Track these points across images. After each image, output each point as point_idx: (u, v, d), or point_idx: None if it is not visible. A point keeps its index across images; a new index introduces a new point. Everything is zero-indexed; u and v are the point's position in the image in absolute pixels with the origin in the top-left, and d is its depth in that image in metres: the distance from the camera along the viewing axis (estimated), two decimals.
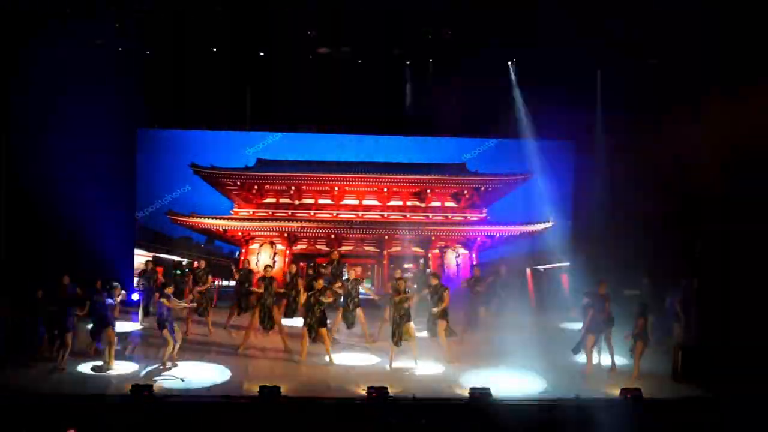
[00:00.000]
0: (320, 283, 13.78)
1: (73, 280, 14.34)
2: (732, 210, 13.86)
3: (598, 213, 17.33)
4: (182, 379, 12.88)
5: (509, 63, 17.16)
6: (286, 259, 18.62)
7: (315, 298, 13.64)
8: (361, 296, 15.37)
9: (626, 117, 16.83)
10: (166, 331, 13.30)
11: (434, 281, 14.53)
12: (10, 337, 13.58)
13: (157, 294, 13.95)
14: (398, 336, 13.68)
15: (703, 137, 13.71)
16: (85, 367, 13.40)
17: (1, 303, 13.77)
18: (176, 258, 18.23)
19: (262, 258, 18.60)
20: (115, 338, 13.67)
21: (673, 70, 15.45)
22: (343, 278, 15.35)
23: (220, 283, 16.51)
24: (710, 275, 13.74)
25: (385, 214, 18.85)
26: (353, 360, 14.42)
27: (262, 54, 16.77)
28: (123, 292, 14.01)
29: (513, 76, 17.26)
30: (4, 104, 14.38)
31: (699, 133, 13.79)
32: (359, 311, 15.13)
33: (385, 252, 18.91)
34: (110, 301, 13.38)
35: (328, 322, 14.06)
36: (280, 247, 18.75)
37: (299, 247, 18.82)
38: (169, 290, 13.67)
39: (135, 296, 17.58)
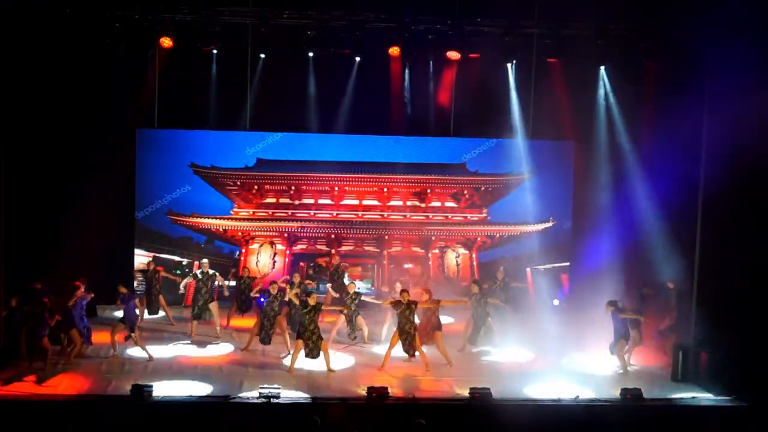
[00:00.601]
0: (314, 298, 13.66)
1: (71, 281, 14.31)
2: (736, 213, 13.79)
3: (599, 213, 17.32)
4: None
5: (509, 64, 17.13)
6: (286, 260, 18.61)
7: (311, 319, 13.42)
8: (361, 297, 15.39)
9: (628, 116, 16.82)
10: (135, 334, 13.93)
11: (425, 296, 14.41)
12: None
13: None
14: (410, 346, 13.72)
15: (707, 136, 13.68)
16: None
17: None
18: (176, 258, 18.22)
19: (262, 258, 18.61)
20: (80, 339, 13.68)
21: (676, 68, 15.41)
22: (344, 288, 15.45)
23: (224, 283, 16.48)
24: (710, 275, 13.72)
25: (385, 214, 18.84)
26: (353, 360, 14.42)
27: (263, 55, 16.75)
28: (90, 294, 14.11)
29: (512, 76, 17.23)
30: (3, 104, 14.35)
31: (703, 133, 13.77)
32: (360, 319, 15.07)
33: (385, 252, 18.90)
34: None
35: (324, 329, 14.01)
36: (280, 247, 18.75)
37: (299, 247, 18.81)
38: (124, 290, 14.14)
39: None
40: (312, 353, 13.42)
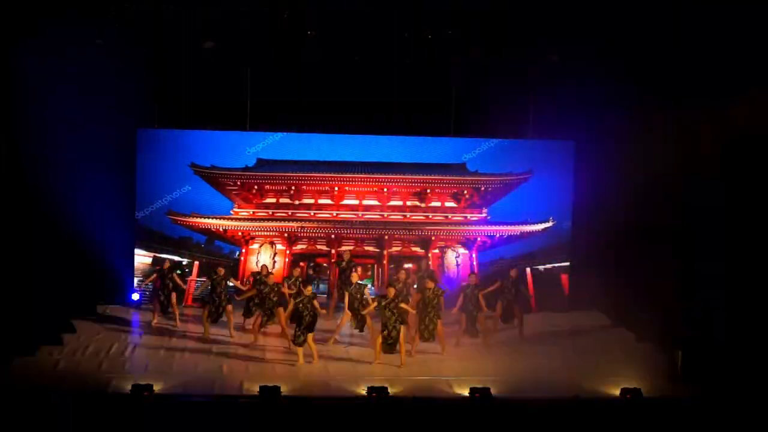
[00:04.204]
0: (309, 290, 13.75)
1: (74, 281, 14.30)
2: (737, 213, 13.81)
3: (599, 213, 17.33)
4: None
5: (509, 64, 17.11)
6: (286, 260, 18.61)
7: (303, 305, 13.63)
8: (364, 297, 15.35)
9: (628, 116, 16.81)
10: None
11: (430, 284, 14.47)
12: None
13: None
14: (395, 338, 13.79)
15: (707, 138, 13.70)
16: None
17: None
18: (176, 258, 18.22)
19: (262, 258, 18.60)
20: None
21: (677, 67, 15.40)
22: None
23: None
24: (709, 274, 13.73)
25: (385, 214, 18.84)
26: (353, 360, 14.42)
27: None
28: None
29: (513, 76, 17.21)
30: (3, 103, 14.37)
31: (702, 134, 13.78)
32: (368, 319, 15.01)
33: (385, 252, 18.90)
34: None
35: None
36: (280, 247, 18.74)
37: (299, 247, 18.81)
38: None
39: (135, 296, 17.60)
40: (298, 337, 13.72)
